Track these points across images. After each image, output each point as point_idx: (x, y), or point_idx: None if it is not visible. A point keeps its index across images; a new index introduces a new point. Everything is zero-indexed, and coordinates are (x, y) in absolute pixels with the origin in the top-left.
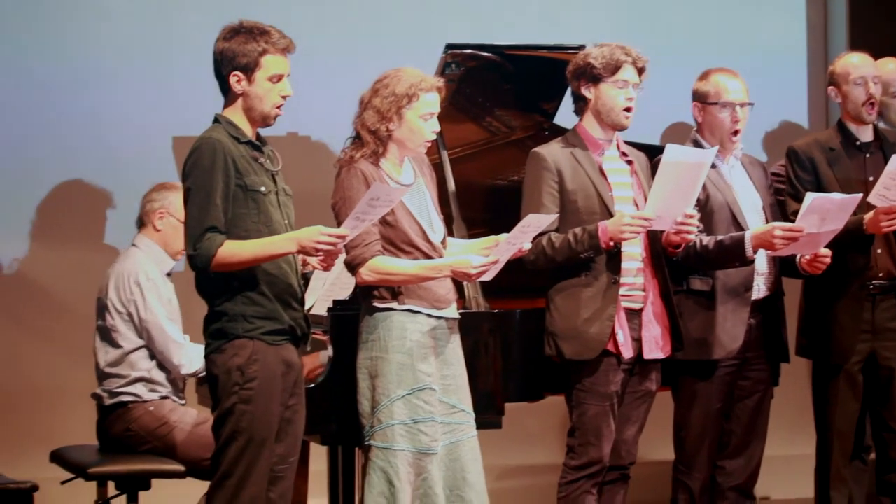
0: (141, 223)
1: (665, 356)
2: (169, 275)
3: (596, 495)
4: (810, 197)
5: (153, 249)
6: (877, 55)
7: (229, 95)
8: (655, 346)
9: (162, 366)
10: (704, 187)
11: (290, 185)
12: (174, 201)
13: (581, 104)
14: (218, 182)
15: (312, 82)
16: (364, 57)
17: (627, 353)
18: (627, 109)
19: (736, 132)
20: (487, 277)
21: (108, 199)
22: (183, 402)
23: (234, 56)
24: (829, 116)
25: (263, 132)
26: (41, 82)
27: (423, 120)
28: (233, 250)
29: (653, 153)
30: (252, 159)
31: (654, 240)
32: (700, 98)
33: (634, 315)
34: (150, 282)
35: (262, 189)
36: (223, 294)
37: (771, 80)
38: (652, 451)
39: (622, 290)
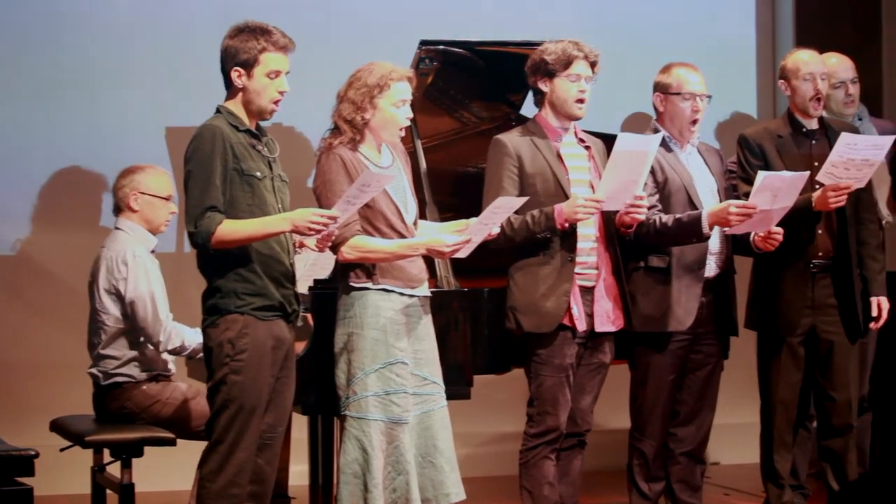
0: (118, 209)
1: (616, 329)
2: (153, 251)
3: (554, 460)
4: (762, 175)
5: (136, 229)
6: (821, 52)
7: (231, 89)
8: (607, 319)
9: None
10: (663, 171)
11: None
12: (142, 180)
13: (539, 97)
14: (217, 165)
15: (294, 77)
16: (343, 54)
17: (581, 326)
18: (580, 101)
19: (695, 121)
20: (461, 255)
21: (105, 184)
22: (171, 373)
23: (237, 53)
24: (776, 108)
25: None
26: (41, 73)
27: (395, 108)
28: (231, 228)
29: (612, 141)
30: (249, 146)
31: (607, 221)
32: (662, 89)
33: (587, 291)
34: (136, 259)
35: (258, 174)
36: (219, 272)
37: (722, 74)
38: (610, 420)
39: (577, 268)
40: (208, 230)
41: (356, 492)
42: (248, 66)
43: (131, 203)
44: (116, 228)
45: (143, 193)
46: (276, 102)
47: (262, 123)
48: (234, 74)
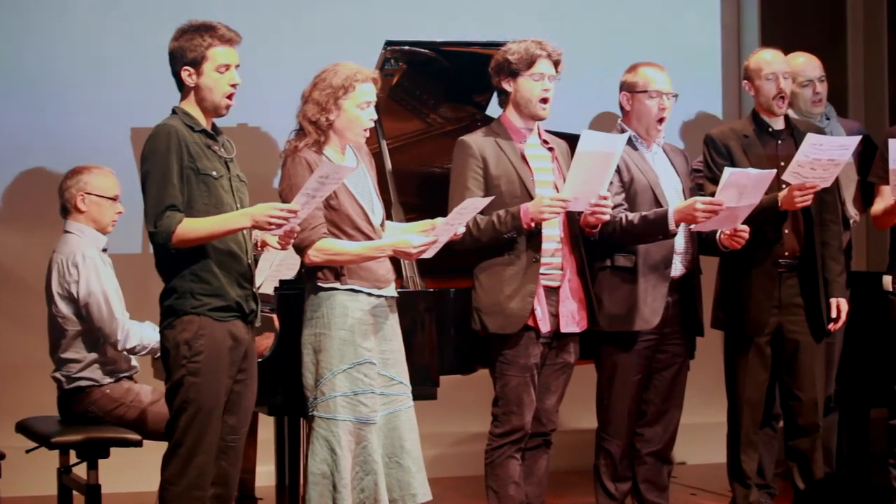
0: (65, 211)
1: (581, 330)
2: (105, 250)
3: (519, 460)
4: (729, 171)
5: (85, 230)
6: (786, 53)
7: (184, 90)
8: (571, 320)
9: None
10: (629, 170)
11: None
12: (89, 181)
13: (503, 97)
14: (173, 164)
15: (260, 78)
16: (309, 54)
17: (545, 327)
18: (544, 101)
19: (661, 119)
20: (427, 255)
21: None
22: (134, 370)
23: (184, 52)
24: (742, 108)
25: (218, 123)
26: (6, 73)
27: (359, 109)
28: (191, 226)
29: (576, 142)
30: (205, 146)
31: (572, 221)
32: (629, 88)
33: (552, 292)
34: (87, 260)
35: (214, 174)
36: (175, 272)
37: (688, 74)
38: (577, 420)
39: (541, 269)
40: (168, 229)
41: (325, 492)
42: (197, 63)
43: (78, 204)
44: (66, 231)
45: (89, 194)
46: (229, 97)
47: (224, 122)
48: (184, 74)
